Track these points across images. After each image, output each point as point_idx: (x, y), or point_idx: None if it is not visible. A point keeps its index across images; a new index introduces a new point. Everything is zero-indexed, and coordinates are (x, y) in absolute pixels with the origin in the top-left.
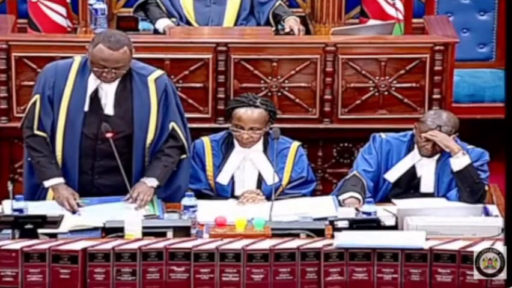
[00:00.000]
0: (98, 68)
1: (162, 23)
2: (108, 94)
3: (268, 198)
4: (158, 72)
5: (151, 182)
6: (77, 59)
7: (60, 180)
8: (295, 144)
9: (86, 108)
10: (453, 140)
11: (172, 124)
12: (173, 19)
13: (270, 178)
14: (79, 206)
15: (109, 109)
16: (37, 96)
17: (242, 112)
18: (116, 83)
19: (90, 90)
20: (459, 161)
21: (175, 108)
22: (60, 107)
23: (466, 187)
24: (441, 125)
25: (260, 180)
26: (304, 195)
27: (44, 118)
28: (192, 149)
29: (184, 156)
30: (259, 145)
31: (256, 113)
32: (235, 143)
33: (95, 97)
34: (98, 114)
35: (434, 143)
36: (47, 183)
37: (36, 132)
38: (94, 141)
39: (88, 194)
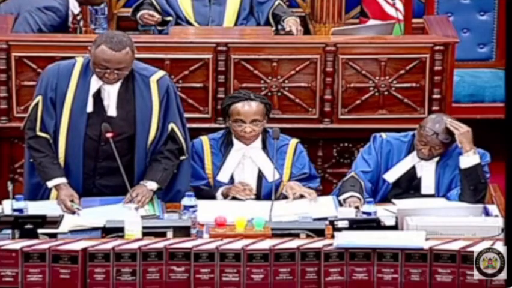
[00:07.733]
0: (100, 69)
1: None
2: (110, 95)
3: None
4: (161, 73)
5: (151, 185)
6: (79, 60)
7: (63, 180)
8: (294, 141)
9: (89, 109)
10: (471, 140)
11: (171, 125)
12: (169, 18)
13: (270, 175)
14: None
15: (111, 110)
16: (39, 98)
17: (240, 106)
18: (119, 84)
19: (92, 91)
20: (468, 159)
21: (176, 109)
22: (63, 109)
23: (470, 185)
24: (439, 132)
25: (260, 177)
26: (310, 187)
27: (47, 119)
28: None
29: (183, 157)
30: (258, 142)
31: (254, 105)
32: (234, 141)
33: (98, 98)
34: (100, 116)
35: (431, 148)
36: (50, 184)
37: (39, 133)
38: (96, 143)
39: (89, 195)
